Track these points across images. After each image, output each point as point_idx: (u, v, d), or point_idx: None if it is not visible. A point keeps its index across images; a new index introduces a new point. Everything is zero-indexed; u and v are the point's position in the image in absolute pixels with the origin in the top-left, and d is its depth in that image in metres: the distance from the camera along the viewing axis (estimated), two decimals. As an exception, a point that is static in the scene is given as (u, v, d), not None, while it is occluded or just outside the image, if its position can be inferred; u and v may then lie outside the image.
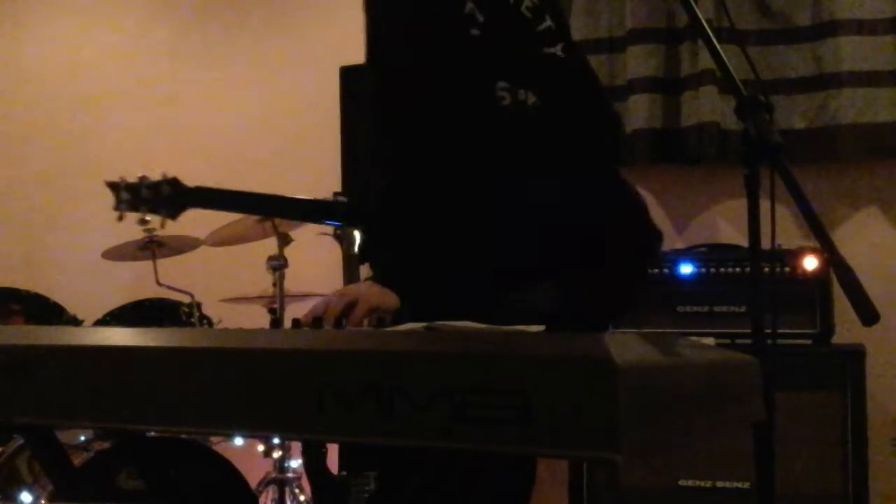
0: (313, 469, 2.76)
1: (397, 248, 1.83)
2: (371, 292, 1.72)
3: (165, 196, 2.20)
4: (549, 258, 1.87)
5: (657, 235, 2.04)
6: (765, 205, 1.46)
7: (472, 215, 1.82)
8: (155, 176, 2.24)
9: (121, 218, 2.23)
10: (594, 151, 2.02)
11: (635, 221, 2.00)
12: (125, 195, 2.22)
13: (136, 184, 2.22)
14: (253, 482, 3.17)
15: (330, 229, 3.05)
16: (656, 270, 3.20)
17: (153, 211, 2.21)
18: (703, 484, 3.00)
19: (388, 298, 1.72)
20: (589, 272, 1.90)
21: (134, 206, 2.22)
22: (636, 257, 2.02)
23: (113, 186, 2.23)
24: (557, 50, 1.99)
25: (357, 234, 2.98)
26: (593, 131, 2.03)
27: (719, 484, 2.97)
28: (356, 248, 2.99)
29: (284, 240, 3.25)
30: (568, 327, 1.13)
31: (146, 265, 3.38)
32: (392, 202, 1.84)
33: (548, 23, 1.98)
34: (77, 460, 2.72)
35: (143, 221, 2.22)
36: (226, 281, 3.72)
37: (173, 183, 2.23)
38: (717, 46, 1.57)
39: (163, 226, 2.22)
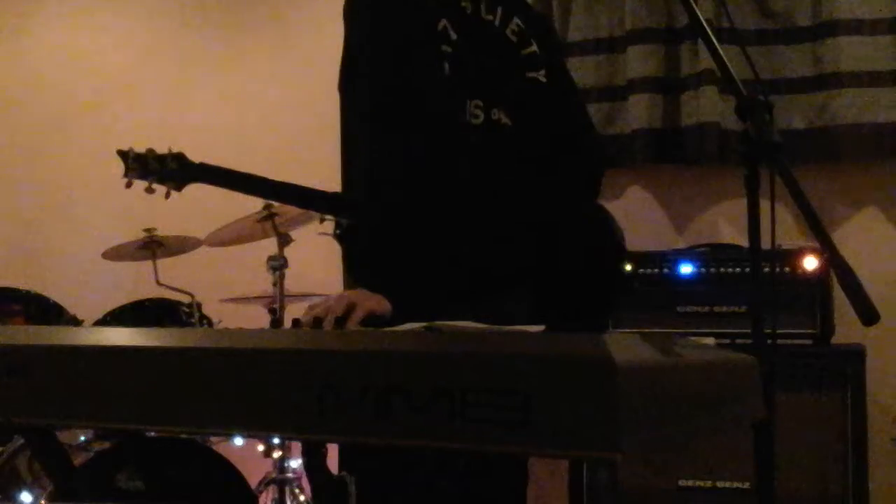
0: (313, 469, 2.76)
1: (381, 255, 1.88)
2: (368, 297, 1.78)
3: (171, 169, 2.24)
4: (517, 265, 1.96)
5: (622, 255, 2.10)
6: (765, 205, 1.46)
7: (446, 224, 1.89)
8: (161, 150, 2.26)
9: (129, 185, 2.24)
10: (562, 174, 2.09)
11: (597, 241, 2.07)
12: (134, 164, 2.23)
13: (143, 154, 2.26)
14: (253, 482, 3.17)
15: (330, 229, 3.05)
16: (657, 270, 3.21)
17: (160, 181, 2.24)
18: (703, 484, 2.99)
19: (384, 304, 1.77)
20: (556, 279, 1.97)
21: (143, 175, 2.23)
22: (597, 277, 2.07)
23: (123, 154, 2.27)
24: (540, 75, 2.04)
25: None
26: (563, 155, 2.09)
27: (719, 484, 2.97)
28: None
29: (284, 240, 3.25)
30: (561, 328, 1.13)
31: (146, 265, 3.38)
32: (369, 210, 1.88)
33: (533, 48, 2.04)
34: (77, 460, 2.72)
35: (149, 190, 2.23)
36: (226, 281, 3.72)
37: (179, 157, 2.26)
38: (717, 46, 1.57)
39: (167, 196, 2.23)
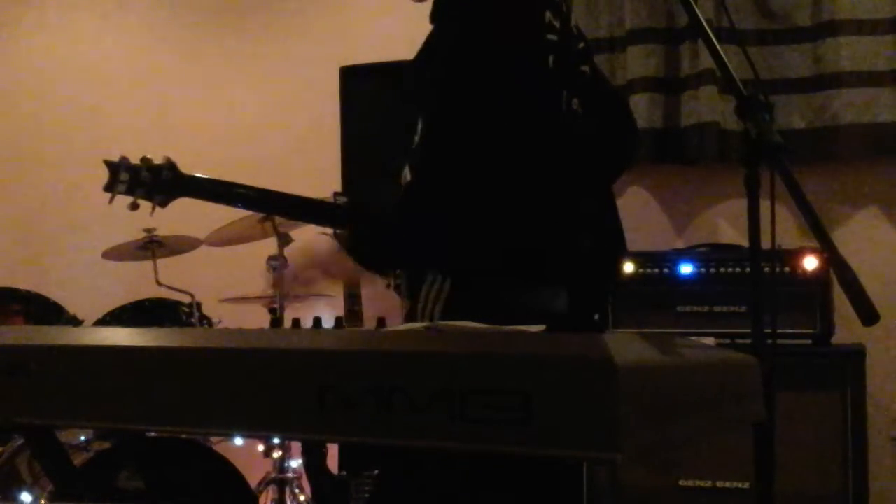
0: (313, 469, 2.76)
1: (427, 242, 1.86)
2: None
3: (164, 180, 2.16)
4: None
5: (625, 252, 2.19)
6: (765, 205, 1.46)
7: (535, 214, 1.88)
8: (157, 160, 2.21)
9: (112, 200, 2.19)
10: (617, 162, 2.20)
11: (619, 238, 2.15)
12: (124, 175, 2.16)
13: (138, 166, 2.18)
14: (253, 482, 3.17)
15: (330, 229, 3.04)
16: (657, 270, 3.21)
17: (147, 196, 2.16)
18: (703, 484, 2.99)
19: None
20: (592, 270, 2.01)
21: (130, 189, 2.15)
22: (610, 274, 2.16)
23: (111, 166, 2.17)
24: (587, 69, 2.10)
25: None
26: (618, 144, 2.19)
27: (719, 484, 2.97)
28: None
29: (284, 240, 3.25)
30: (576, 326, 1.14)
31: (146, 265, 3.38)
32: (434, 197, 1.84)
33: (583, 43, 2.11)
34: (77, 460, 2.72)
35: (134, 206, 2.16)
36: (226, 281, 3.72)
37: (171, 168, 2.19)
38: (717, 46, 1.57)
39: (152, 213, 2.19)
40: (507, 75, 1.84)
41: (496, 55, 1.85)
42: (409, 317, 1.90)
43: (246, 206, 2.34)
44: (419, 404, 1.01)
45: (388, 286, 2.84)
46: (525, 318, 1.46)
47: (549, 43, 1.93)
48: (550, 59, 1.93)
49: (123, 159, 2.18)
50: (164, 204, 2.16)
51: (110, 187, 2.15)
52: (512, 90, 1.84)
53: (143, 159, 2.19)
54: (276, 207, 2.34)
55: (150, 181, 2.14)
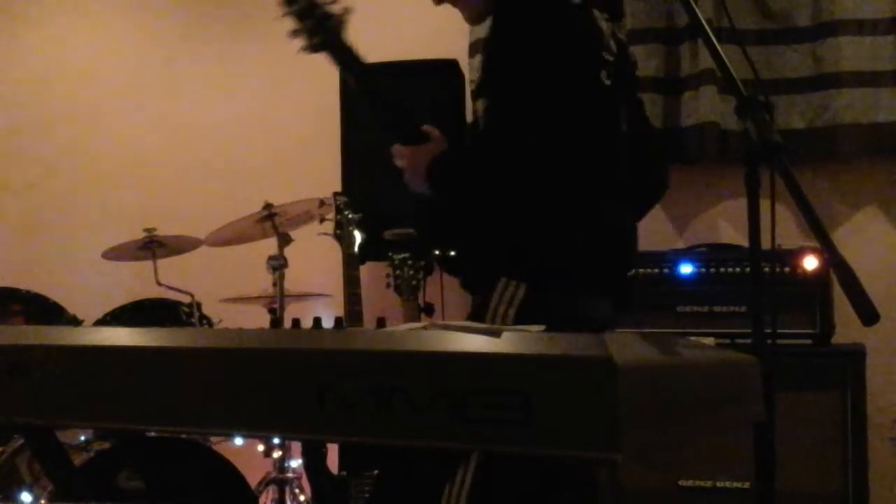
0: (313, 469, 2.76)
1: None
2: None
3: (327, 27, 2.08)
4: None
5: None
6: (765, 205, 1.46)
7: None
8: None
9: (285, 14, 2.12)
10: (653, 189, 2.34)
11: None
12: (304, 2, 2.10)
13: (327, 13, 2.10)
14: (253, 482, 3.17)
15: (330, 229, 3.04)
16: (657, 270, 3.21)
17: (310, 32, 2.09)
18: (703, 484, 2.99)
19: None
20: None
21: (300, 16, 2.11)
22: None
23: None
24: (639, 98, 2.28)
25: (357, 235, 2.98)
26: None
27: (719, 484, 2.97)
28: (356, 248, 2.99)
29: (284, 240, 3.25)
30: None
31: (146, 265, 3.38)
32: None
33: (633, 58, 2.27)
34: (77, 460, 2.72)
35: (294, 33, 2.08)
36: (226, 281, 3.72)
37: (339, 25, 2.09)
38: (717, 46, 1.57)
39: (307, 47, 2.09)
40: (565, 83, 1.90)
41: (556, 61, 1.90)
42: (477, 314, 1.93)
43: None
44: (419, 404, 1.01)
45: (388, 286, 2.85)
46: (591, 327, 1.52)
47: (606, 61, 2.01)
48: (604, 74, 2.01)
49: None
50: (312, 49, 2.10)
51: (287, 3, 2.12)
52: (571, 101, 1.91)
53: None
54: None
55: (318, 21, 2.08)
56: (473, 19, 2.22)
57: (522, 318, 1.85)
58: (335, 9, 2.05)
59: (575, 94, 1.92)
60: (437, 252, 2.08)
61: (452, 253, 2.05)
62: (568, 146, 1.90)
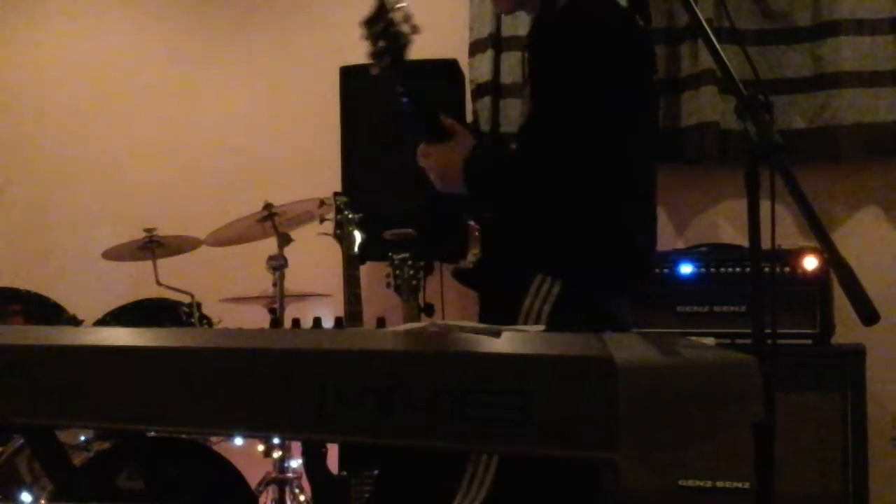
0: (313, 469, 2.76)
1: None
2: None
3: (396, 48, 1.90)
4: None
5: None
6: (765, 205, 1.46)
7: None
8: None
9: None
10: None
11: None
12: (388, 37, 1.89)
13: (399, 33, 1.90)
14: (253, 482, 3.17)
15: (330, 229, 3.04)
16: (657, 270, 3.21)
17: (382, 52, 1.89)
18: (703, 484, 2.99)
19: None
20: None
21: (376, 38, 1.89)
22: None
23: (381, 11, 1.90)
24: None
25: (357, 235, 2.98)
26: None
27: (719, 484, 2.97)
28: (356, 248, 2.99)
29: (284, 240, 3.25)
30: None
31: (146, 265, 3.38)
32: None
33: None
34: (77, 460, 2.72)
35: (373, 55, 1.87)
36: (226, 281, 3.72)
37: (407, 44, 1.91)
38: (717, 46, 1.57)
39: (379, 70, 1.90)
40: (622, 87, 1.93)
41: (614, 64, 1.93)
42: (510, 310, 1.92)
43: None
44: (419, 404, 1.00)
45: (388, 286, 2.85)
46: (622, 327, 1.51)
47: (656, 64, 2.09)
48: (656, 77, 2.09)
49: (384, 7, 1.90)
50: (385, 72, 1.92)
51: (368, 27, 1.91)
52: (624, 104, 1.94)
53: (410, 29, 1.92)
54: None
55: (395, 57, 1.90)
56: (508, 9, 2.23)
57: (556, 315, 1.86)
58: (406, 28, 1.91)
59: (630, 97, 1.96)
60: (457, 267, 2.08)
61: (469, 265, 2.05)
62: (617, 148, 1.92)
